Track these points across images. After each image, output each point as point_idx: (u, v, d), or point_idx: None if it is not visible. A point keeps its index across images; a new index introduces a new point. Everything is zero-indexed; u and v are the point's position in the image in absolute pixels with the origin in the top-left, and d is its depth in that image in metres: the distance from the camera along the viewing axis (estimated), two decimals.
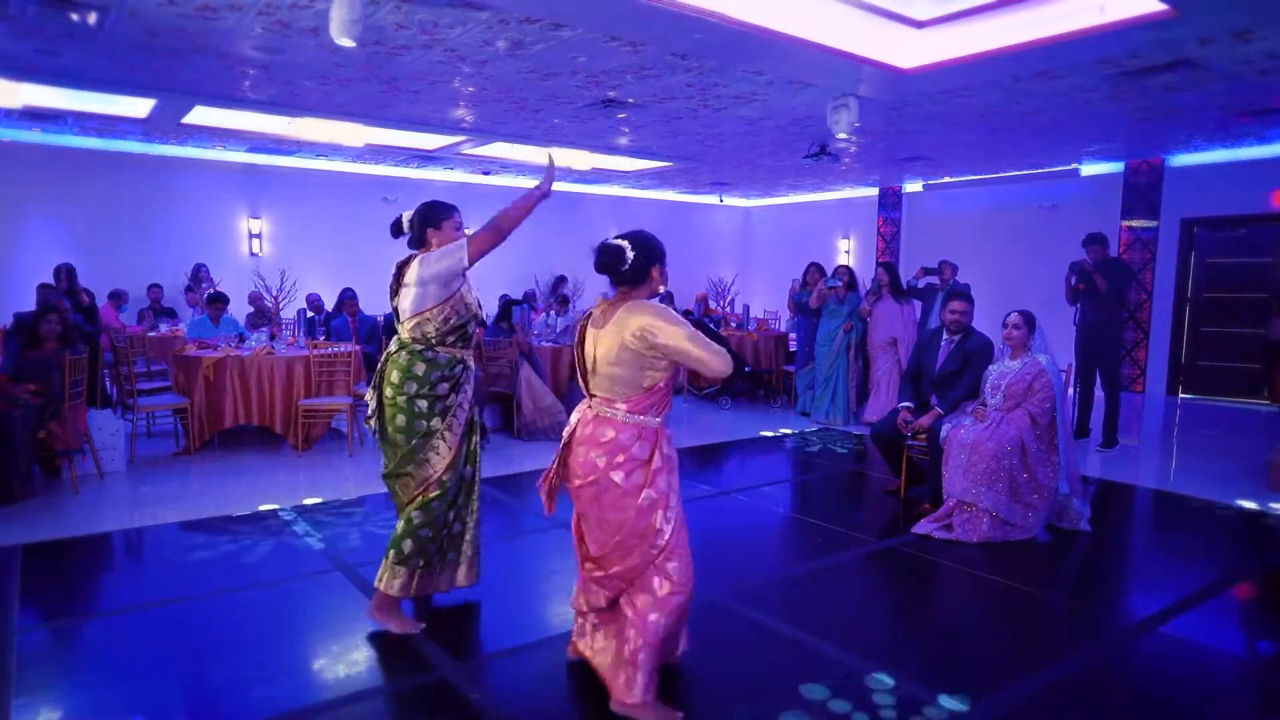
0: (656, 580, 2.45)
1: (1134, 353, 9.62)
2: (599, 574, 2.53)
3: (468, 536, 3.21)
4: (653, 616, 2.43)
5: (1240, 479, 5.58)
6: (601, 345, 2.45)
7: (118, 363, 6.40)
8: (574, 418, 2.56)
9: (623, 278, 2.46)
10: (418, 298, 2.97)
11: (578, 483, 2.49)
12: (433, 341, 3.00)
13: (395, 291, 3.11)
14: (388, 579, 3.04)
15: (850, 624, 3.28)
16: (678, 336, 2.33)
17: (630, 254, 2.42)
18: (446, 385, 3.02)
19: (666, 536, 2.44)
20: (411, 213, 3.11)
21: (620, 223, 12.69)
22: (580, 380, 2.57)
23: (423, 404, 2.98)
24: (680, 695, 2.63)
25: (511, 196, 3.02)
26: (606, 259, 2.44)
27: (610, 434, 2.42)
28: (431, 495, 3.03)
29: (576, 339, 2.58)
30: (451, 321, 3.01)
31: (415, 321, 2.99)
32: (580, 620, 2.75)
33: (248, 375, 6.03)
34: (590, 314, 2.57)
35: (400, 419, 2.99)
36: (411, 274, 3.00)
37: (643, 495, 2.42)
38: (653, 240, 2.50)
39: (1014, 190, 10.69)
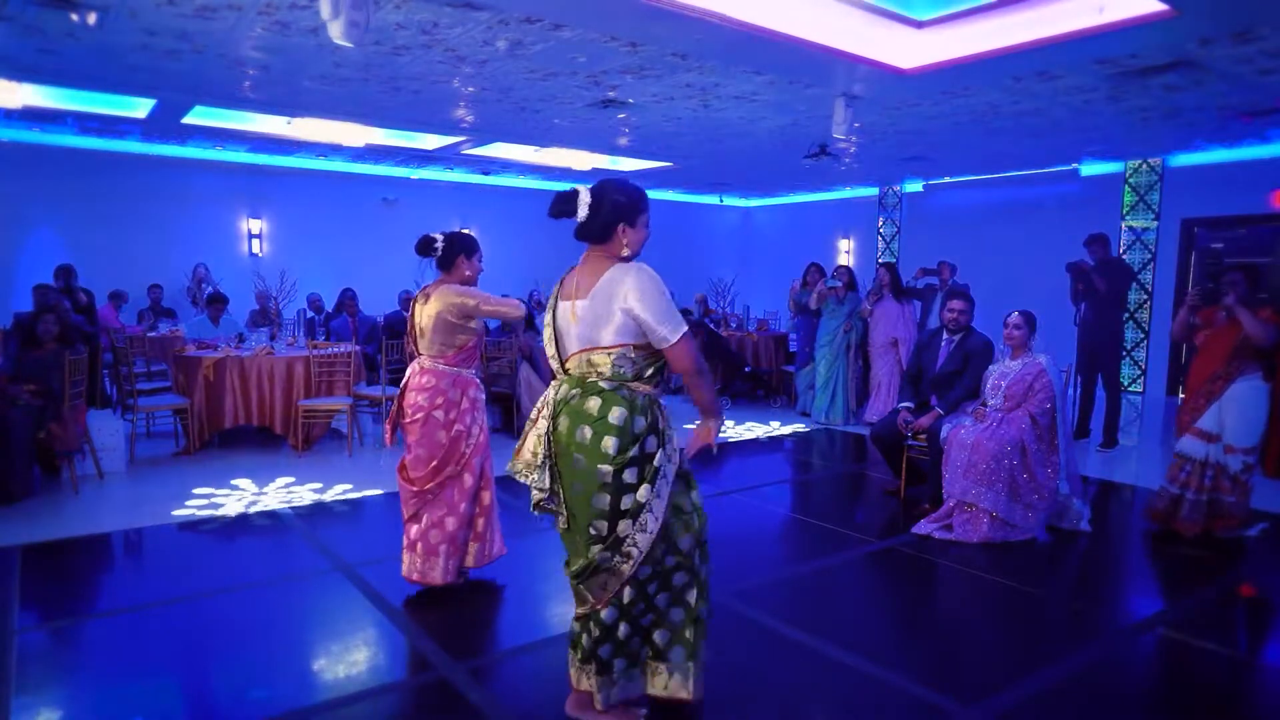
0: (454, 493, 3.32)
1: (1134, 353, 9.62)
2: (415, 490, 3.30)
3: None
4: (450, 520, 3.30)
5: None
6: (425, 317, 3.25)
7: (118, 363, 6.39)
8: (408, 371, 3.34)
9: (438, 263, 3.31)
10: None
11: (407, 419, 3.29)
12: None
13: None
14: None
15: (850, 624, 3.28)
16: (471, 299, 3.20)
17: (438, 245, 3.26)
18: None
19: (467, 457, 3.30)
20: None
21: None
22: (411, 344, 3.36)
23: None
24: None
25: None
26: (420, 246, 3.26)
27: (432, 381, 3.25)
28: None
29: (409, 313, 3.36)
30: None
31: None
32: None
33: (248, 375, 6.03)
34: (417, 296, 3.36)
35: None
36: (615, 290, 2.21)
37: (454, 429, 3.28)
38: (468, 237, 3.32)
39: (1014, 190, 10.68)
